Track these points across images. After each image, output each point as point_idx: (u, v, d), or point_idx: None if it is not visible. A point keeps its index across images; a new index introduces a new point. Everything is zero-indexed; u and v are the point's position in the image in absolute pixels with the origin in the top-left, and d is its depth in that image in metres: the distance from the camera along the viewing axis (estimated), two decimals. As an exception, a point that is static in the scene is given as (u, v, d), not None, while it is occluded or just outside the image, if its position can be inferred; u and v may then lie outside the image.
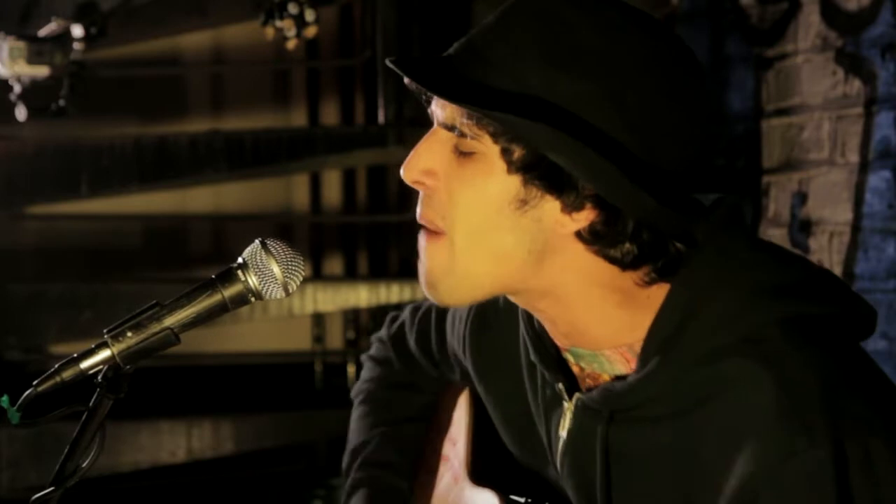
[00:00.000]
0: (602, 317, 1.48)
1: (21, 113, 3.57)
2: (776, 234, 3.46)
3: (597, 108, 1.39)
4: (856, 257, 3.17)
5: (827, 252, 3.27)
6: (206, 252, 4.99)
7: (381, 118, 4.43)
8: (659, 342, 1.45)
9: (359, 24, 4.92)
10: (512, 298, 1.54)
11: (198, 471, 4.35)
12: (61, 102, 3.53)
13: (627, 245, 1.43)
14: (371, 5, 4.60)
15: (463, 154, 1.46)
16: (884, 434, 1.38)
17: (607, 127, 1.39)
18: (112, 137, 4.25)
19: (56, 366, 1.41)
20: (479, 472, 1.78)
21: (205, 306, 1.44)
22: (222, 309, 1.44)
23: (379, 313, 4.66)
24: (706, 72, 1.49)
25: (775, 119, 3.50)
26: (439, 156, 1.47)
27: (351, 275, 5.03)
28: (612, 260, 1.44)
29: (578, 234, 1.44)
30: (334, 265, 5.09)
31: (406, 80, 1.46)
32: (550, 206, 1.43)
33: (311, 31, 3.65)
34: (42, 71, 3.50)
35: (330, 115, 5.04)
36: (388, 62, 1.46)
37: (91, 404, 1.42)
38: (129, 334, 1.41)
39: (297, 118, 5.03)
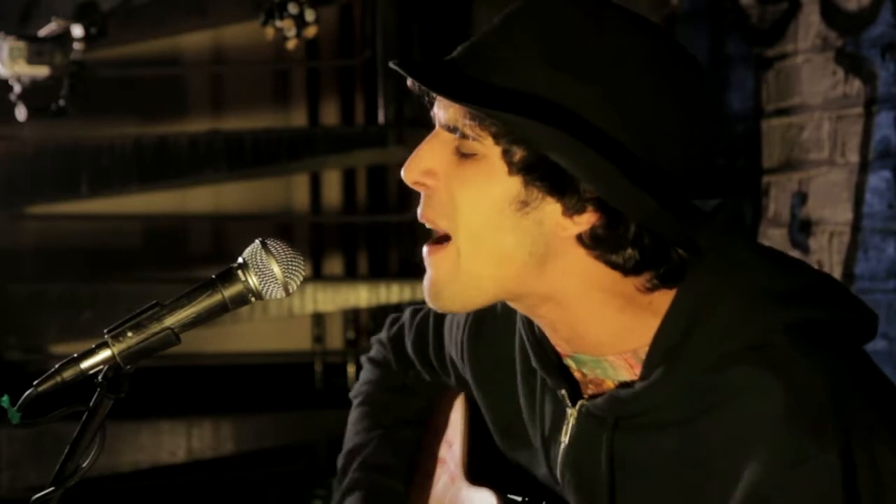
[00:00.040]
0: (603, 322, 1.48)
1: (21, 113, 3.57)
2: (776, 234, 3.46)
3: (598, 109, 1.40)
4: (856, 257, 3.17)
5: (827, 252, 3.27)
6: (206, 252, 4.99)
7: (381, 118, 4.43)
8: (665, 349, 1.45)
9: (359, 24, 4.92)
10: (513, 304, 1.54)
11: (198, 471, 4.35)
12: (61, 102, 3.53)
13: (629, 250, 1.43)
14: (371, 5, 4.60)
15: (464, 155, 1.46)
16: (891, 441, 1.38)
17: (608, 128, 1.40)
18: (112, 137, 4.25)
19: (56, 366, 1.41)
20: (476, 472, 1.78)
21: (205, 306, 1.44)
22: (222, 309, 1.44)
23: (379, 313, 4.66)
24: (706, 72, 1.49)
25: (775, 119, 3.50)
26: (440, 157, 1.47)
27: (351, 275, 5.02)
28: (613, 265, 1.44)
29: (580, 239, 1.44)
30: (334, 265, 5.09)
31: (409, 81, 1.46)
32: (552, 209, 1.43)
33: (311, 31, 3.66)
34: (42, 71, 3.50)
35: (330, 115, 5.04)
36: (391, 64, 1.47)
37: (91, 404, 1.42)
38: (130, 334, 1.41)
39: (297, 118, 5.03)
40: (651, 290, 1.46)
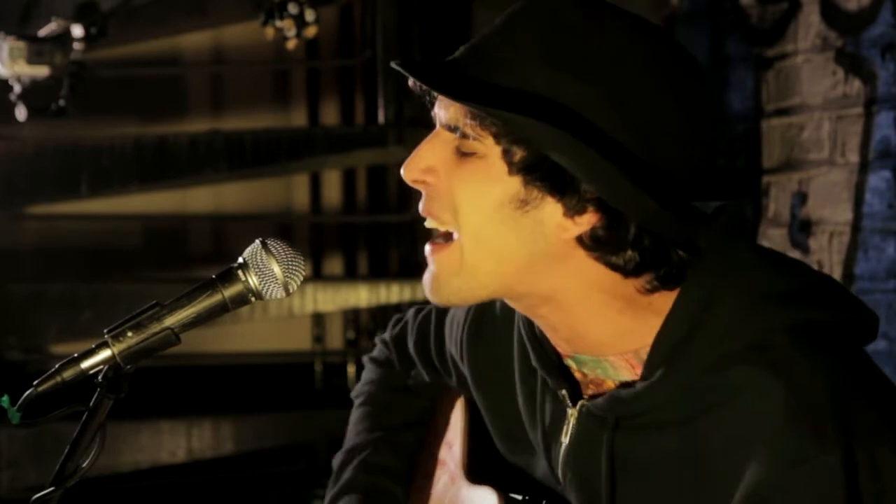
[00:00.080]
0: (604, 323, 1.48)
1: (21, 113, 3.57)
2: (776, 234, 3.46)
3: (599, 109, 1.40)
4: (856, 257, 3.17)
5: (827, 252, 3.27)
6: (206, 252, 4.99)
7: (381, 118, 4.43)
8: (666, 350, 1.46)
9: (359, 24, 4.92)
10: (513, 304, 1.54)
11: (198, 471, 4.35)
12: (61, 102, 3.53)
13: (629, 252, 1.43)
14: (371, 5, 4.60)
15: (464, 155, 1.46)
16: (891, 442, 1.38)
17: (609, 128, 1.40)
18: (112, 137, 4.25)
19: (56, 366, 1.41)
20: (476, 472, 1.78)
21: (205, 306, 1.44)
22: (222, 309, 1.44)
23: (379, 313, 4.66)
24: (706, 72, 1.49)
25: (775, 119, 3.50)
26: (440, 155, 1.48)
27: (351, 275, 5.03)
28: (614, 267, 1.45)
29: (580, 240, 1.44)
30: (334, 265, 5.09)
31: (410, 81, 1.47)
32: (552, 209, 1.43)
33: (311, 31, 3.66)
34: (42, 71, 3.50)
35: (330, 115, 5.04)
36: (393, 64, 1.47)
37: (91, 404, 1.42)
38: (130, 334, 1.41)
39: (297, 118, 5.03)
40: (651, 291, 1.46)
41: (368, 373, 2.03)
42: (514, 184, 1.43)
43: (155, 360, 1.47)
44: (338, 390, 4.54)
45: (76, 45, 3.51)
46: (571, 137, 1.38)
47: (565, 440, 1.57)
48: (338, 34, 5.01)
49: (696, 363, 1.44)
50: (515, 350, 1.66)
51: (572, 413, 1.55)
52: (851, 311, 1.49)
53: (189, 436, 4.11)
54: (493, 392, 1.73)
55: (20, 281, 4.25)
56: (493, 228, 1.45)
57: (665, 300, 1.47)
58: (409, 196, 4.54)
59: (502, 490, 1.66)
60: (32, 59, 3.48)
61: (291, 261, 1.45)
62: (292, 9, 3.60)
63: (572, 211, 1.42)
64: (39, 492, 1.42)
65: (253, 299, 1.45)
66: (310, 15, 3.62)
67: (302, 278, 1.46)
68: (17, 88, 3.55)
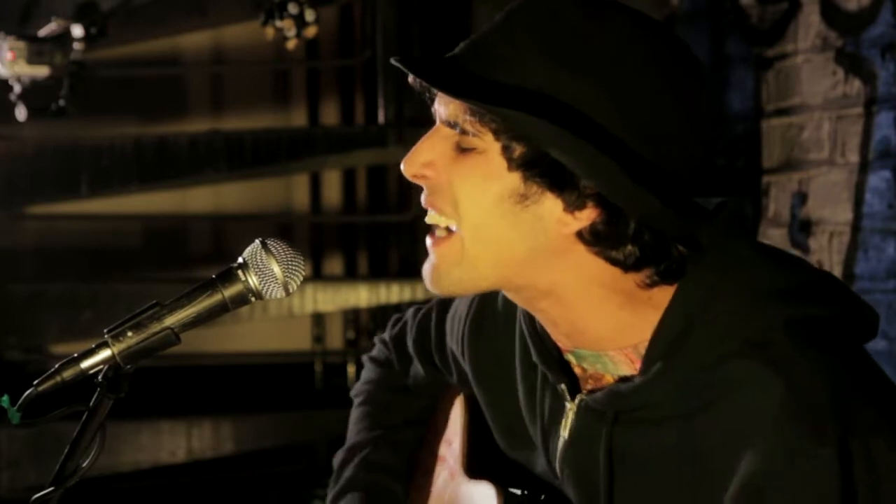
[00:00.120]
0: (603, 318, 1.48)
1: (21, 113, 3.57)
2: (776, 234, 3.46)
3: (599, 106, 1.40)
4: (856, 257, 3.17)
5: (827, 252, 3.27)
6: (206, 252, 4.99)
7: (381, 118, 4.43)
8: (665, 345, 1.46)
9: (359, 24, 4.92)
10: (513, 297, 1.54)
11: (198, 471, 4.35)
12: (61, 102, 3.53)
13: (629, 247, 1.43)
14: (371, 5, 4.60)
15: (464, 150, 1.47)
16: (888, 436, 1.38)
17: (608, 125, 1.40)
18: (112, 137, 4.25)
19: (56, 366, 1.41)
20: (476, 467, 1.78)
21: (205, 306, 1.44)
22: (222, 309, 1.44)
23: (379, 313, 4.66)
24: (706, 72, 1.49)
25: (775, 119, 3.50)
26: (440, 151, 1.48)
27: (351, 275, 5.02)
28: (613, 262, 1.45)
29: (580, 235, 1.44)
30: (334, 265, 5.09)
31: (410, 78, 1.47)
32: (552, 204, 1.43)
33: (311, 31, 3.65)
34: (42, 71, 3.49)
35: (330, 115, 5.04)
36: (393, 61, 1.47)
37: (91, 404, 1.42)
38: (130, 334, 1.41)
39: (297, 118, 5.03)
40: (651, 286, 1.46)
41: (368, 372, 2.03)
42: (514, 179, 1.43)
43: (155, 360, 1.47)
44: (338, 390, 4.54)
45: (76, 45, 3.51)
46: (571, 134, 1.38)
47: (564, 434, 1.57)
48: (338, 34, 5.01)
49: (694, 358, 1.44)
50: (517, 346, 1.67)
51: (571, 407, 1.56)
52: (852, 309, 1.49)
53: (189, 436, 4.11)
54: (494, 388, 1.74)
55: (20, 281, 4.25)
56: (493, 223, 1.45)
57: (665, 295, 1.47)
58: (409, 196, 4.54)
59: (501, 485, 1.67)
60: (32, 59, 3.48)
61: (291, 261, 1.45)
62: (292, 9, 3.60)
63: (572, 206, 1.43)
64: (39, 492, 1.42)
65: (253, 299, 1.45)
66: (310, 15, 3.62)
67: (302, 278, 1.46)
68: (17, 88, 3.55)
